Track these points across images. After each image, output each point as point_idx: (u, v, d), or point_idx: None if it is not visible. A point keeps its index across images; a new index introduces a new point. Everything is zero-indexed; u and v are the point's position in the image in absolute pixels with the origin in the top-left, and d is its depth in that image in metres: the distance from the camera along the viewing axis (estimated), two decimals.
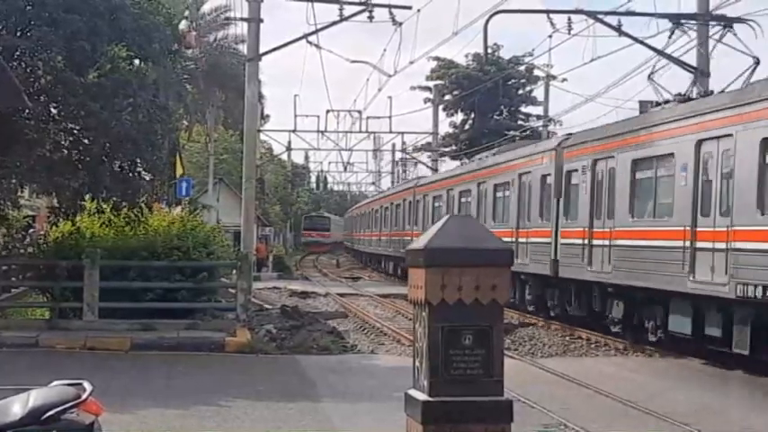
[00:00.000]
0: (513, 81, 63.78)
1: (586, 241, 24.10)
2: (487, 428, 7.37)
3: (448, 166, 60.68)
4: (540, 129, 53.66)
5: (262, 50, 30.72)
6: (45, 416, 6.42)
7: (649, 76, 24.40)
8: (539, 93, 60.12)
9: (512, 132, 53.12)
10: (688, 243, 19.23)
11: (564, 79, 53.73)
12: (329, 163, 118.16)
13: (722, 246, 18.11)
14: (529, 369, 18.97)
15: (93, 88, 20.11)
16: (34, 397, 6.55)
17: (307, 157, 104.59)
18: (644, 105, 24.49)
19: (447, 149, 66.26)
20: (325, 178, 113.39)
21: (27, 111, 21.41)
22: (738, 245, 17.69)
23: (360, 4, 29.87)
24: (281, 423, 12.89)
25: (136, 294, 21.39)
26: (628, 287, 22.00)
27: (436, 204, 42.14)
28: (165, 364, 17.95)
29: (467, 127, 66.09)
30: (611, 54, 42.34)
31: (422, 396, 7.41)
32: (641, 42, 29.02)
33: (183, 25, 40.40)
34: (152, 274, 21.71)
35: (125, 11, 21.55)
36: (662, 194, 21.24)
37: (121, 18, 21.36)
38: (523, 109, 65.90)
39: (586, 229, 24.21)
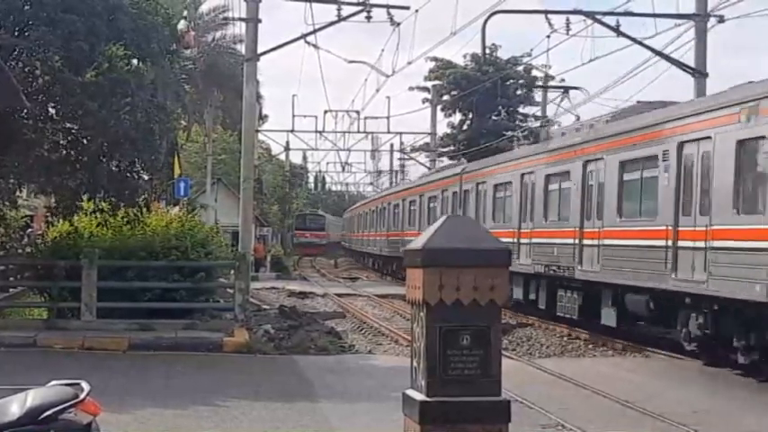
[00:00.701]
0: (511, 81, 63.74)
1: None
2: (485, 429, 7.37)
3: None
4: (539, 129, 53.61)
5: (260, 50, 30.72)
6: (43, 416, 6.42)
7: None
8: (537, 93, 60.06)
9: (510, 133, 53.11)
10: None
11: (562, 80, 53.61)
12: (327, 163, 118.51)
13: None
14: (526, 369, 18.99)
15: (91, 88, 20.09)
16: (32, 397, 6.55)
17: (305, 158, 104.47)
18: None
19: (445, 150, 66.23)
20: (324, 178, 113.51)
21: (25, 110, 21.39)
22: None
23: (358, 4, 29.88)
24: (279, 423, 12.89)
25: (134, 294, 21.39)
26: None
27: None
28: (163, 364, 17.95)
29: (465, 127, 66.03)
30: (610, 55, 42.34)
31: (419, 396, 7.41)
32: (640, 43, 29.09)
33: (181, 25, 40.38)
34: (150, 274, 21.71)
35: (123, 11, 21.53)
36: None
37: (120, 18, 21.34)
38: (522, 110, 65.85)
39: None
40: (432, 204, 43.27)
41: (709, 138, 18.45)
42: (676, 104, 22.14)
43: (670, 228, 19.82)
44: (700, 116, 19.17)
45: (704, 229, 18.40)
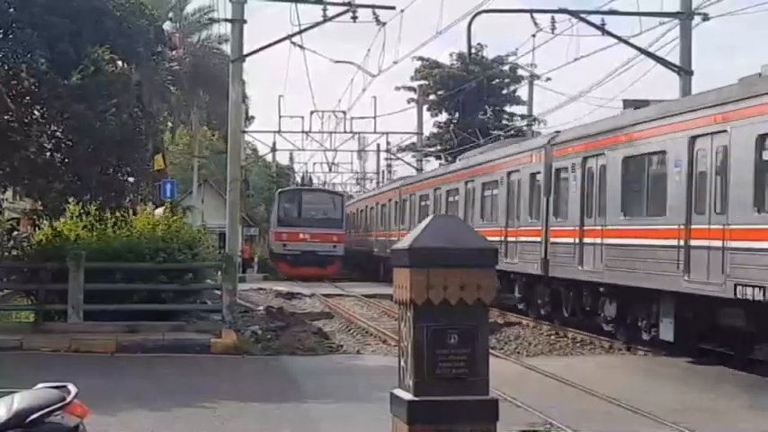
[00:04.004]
0: (497, 81, 63.81)
1: None
2: (473, 428, 7.39)
3: (433, 166, 60.82)
4: (525, 128, 53.75)
5: (246, 51, 30.70)
6: (30, 419, 6.42)
7: None
8: (523, 92, 60.20)
9: (496, 132, 53.20)
10: None
11: (548, 78, 53.87)
12: (314, 164, 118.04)
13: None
14: (515, 368, 19.00)
15: (76, 90, 20.05)
16: (19, 400, 6.54)
17: (291, 158, 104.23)
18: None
19: (432, 149, 66.29)
20: (311, 179, 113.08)
21: (10, 113, 21.33)
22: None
23: (343, 4, 29.88)
24: (266, 424, 12.90)
25: (121, 296, 21.37)
26: None
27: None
28: (151, 366, 17.92)
29: (451, 126, 66.10)
30: (595, 53, 42.41)
31: (407, 396, 7.42)
32: (625, 41, 29.15)
33: (167, 26, 40.31)
34: (137, 276, 21.68)
35: (108, 13, 21.48)
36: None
37: (105, 20, 21.30)
38: (508, 108, 65.95)
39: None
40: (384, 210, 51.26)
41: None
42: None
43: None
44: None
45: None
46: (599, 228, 22.81)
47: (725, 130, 17.52)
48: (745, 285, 16.66)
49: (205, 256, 23.84)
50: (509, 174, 29.49)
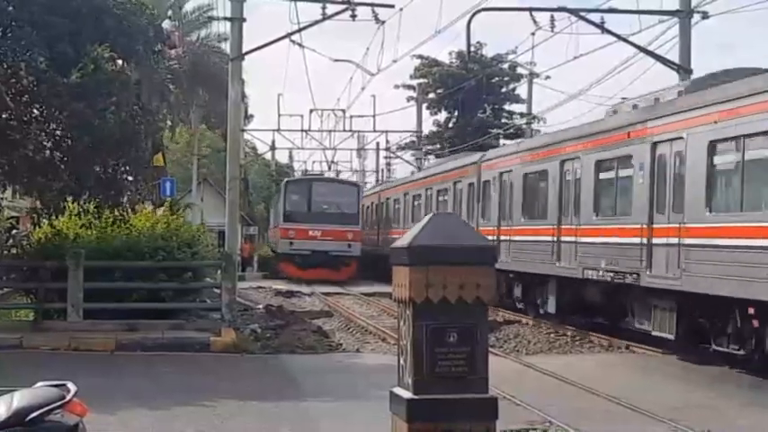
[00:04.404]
0: (496, 79, 63.77)
1: None
2: (473, 426, 7.39)
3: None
4: (524, 126, 53.76)
5: (245, 49, 30.70)
6: (29, 417, 6.42)
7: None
8: (522, 90, 60.16)
9: (495, 130, 53.23)
10: None
11: (547, 77, 53.73)
12: (313, 162, 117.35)
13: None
14: (514, 366, 19.02)
15: (76, 89, 20.04)
16: (18, 398, 6.54)
17: (291, 157, 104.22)
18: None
19: (431, 148, 66.28)
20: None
21: (9, 111, 21.32)
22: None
23: (343, 2, 29.89)
24: (265, 422, 12.91)
25: (121, 295, 21.38)
26: None
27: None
28: (150, 364, 17.93)
29: (451, 125, 66.08)
30: (594, 51, 42.44)
31: (407, 394, 7.43)
32: (624, 40, 29.16)
33: (166, 24, 40.31)
34: (137, 274, 21.69)
35: (108, 12, 21.47)
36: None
37: (104, 19, 21.29)
38: (507, 107, 65.91)
39: None
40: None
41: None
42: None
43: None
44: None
45: None
46: (508, 228, 28.95)
47: (579, 157, 24.08)
48: (589, 269, 23.04)
49: (204, 254, 23.85)
50: (455, 183, 35.70)
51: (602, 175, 22.98)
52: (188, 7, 56.34)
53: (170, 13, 50.49)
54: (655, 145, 20.15)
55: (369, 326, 26.26)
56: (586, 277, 23.12)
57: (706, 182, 18.23)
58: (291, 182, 52.79)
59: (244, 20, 30.10)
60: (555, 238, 25.03)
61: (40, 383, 6.92)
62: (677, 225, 19.02)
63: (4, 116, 21.61)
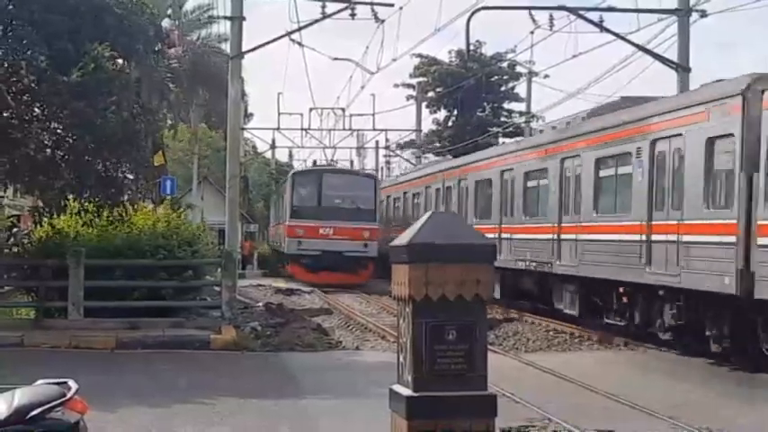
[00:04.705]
0: (495, 78, 63.71)
1: None
2: (472, 423, 7.42)
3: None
4: (523, 125, 53.73)
5: (245, 48, 30.71)
6: (30, 415, 6.45)
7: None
8: (521, 89, 60.15)
9: (495, 129, 53.20)
10: None
11: (546, 75, 53.73)
12: (313, 161, 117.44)
13: None
14: (513, 364, 19.05)
15: (76, 87, 20.07)
16: (19, 396, 6.57)
17: (291, 155, 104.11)
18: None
19: (430, 146, 66.26)
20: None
21: (10, 110, 21.34)
22: None
23: (342, 1, 29.91)
24: (265, 420, 12.93)
25: (121, 293, 21.40)
26: None
27: None
28: (151, 362, 17.96)
29: (450, 124, 66.06)
30: (593, 50, 42.45)
31: (406, 392, 7.45)
32: (623, 38, 29.19)
33: (165, 23, 40.29)
34: (137, 272, 21.72)
35: (108, 10, 21.50)
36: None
37: (105, 18, 21.32)
38: (506, 105, 65.88)
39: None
40: None
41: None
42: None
43: None
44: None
45: None
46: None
47: (512, 169, 29.37)
48: (520, 260, 27.75)
49: (205, 252, 23.87)
50: (426, 187, 40.62)
51: (530, 183, 28.21)
52: (188, 6, 56.42)
53: (169, 12, 50.47)
54: (562, 161, 25.43)
55: (368, 323, 26.27)
56: (519, 267, 27.91)
57: (593, 189, 23.53)
58: (299, 173, 47.28)
59: (243, 18, 30.10)
60: (497, 236, 28.78)
61: (40, 381, 6.95)
62: (577, 224, 24.32)
63: (5, 115, 21.63)
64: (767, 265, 16.60)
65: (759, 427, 13.16)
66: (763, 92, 16.84)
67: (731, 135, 17.47)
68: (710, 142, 18.12)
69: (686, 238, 18.95)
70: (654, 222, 20.36)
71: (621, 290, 21.93)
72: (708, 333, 18.62)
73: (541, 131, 30.75)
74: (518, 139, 43.79)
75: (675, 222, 19.37)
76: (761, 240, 16.76)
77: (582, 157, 24.22)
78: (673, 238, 19.42)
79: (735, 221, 17.36)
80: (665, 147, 19.82)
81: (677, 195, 19.44)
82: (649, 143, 20.36)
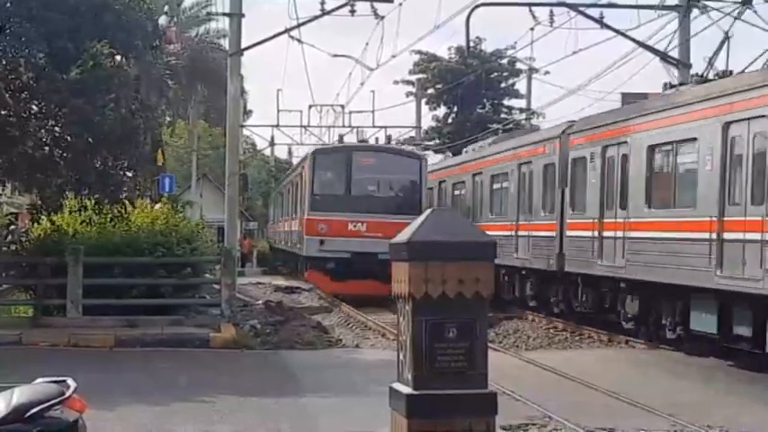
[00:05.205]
0: (495, 74, 63.69)
1: None
2: (472, 421, 7.40)
3: (432, 159, 60.73)
4: (523, 122, 53.71)
5: (244, 45, 30.66)
6: (29, 413, 6.43)
7: None
8: (521, 85, 60.15)
9: (495, 125, 53.14)
10: None
11: (546, 72, 53.72)
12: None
13: None
14: (513, 362, 19.02)
15: (75, 85, 20.03)
16: (18, 395, 6.55)
17: (290, 153, 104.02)
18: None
19: (430, 143, 66.23)
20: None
21: (8, 108, 21.30)
22: None
23: None
24: (265, 418, 12.89)
25: (120, 291, 21.37)
26: None
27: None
28: (150, 360, 17.94)
29: (450, 120, 66.03)
30: (594, 46, 42.46)
31: (406, 389, 7.43)
32: (623, 35, 29.14)
33: (162, 20, 40.26)
34: (136, 270, 21.68)
35: (107, 7, 21.46)
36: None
37: (103, 15, 21.27)
38: (506, 102, 65.87)
39: None
40: None
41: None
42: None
43: None
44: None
45: None
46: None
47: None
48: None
49: (204, 250, 23.84)
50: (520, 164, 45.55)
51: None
52: (186, 3, 56.38)
53: (166, 8, 50.43)
54: (474, 175, 33.32)
55: (368, 321, 26.25)
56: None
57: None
58: (322, 152, 36.18)
59: (242, 15, 30.04)
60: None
61: (39, 380, 6.93)
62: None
63: (3, 113, 21.60)
64: None
65: (760, 426, 13.12)
66: (569, 135, 25.21)
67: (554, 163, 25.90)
68: (545, 167, 26.66)
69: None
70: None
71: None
72: None
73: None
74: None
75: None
76: None
77: None
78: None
79: None
80: (526, 169, 28.46)
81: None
82: (517, 165, 29.01)
